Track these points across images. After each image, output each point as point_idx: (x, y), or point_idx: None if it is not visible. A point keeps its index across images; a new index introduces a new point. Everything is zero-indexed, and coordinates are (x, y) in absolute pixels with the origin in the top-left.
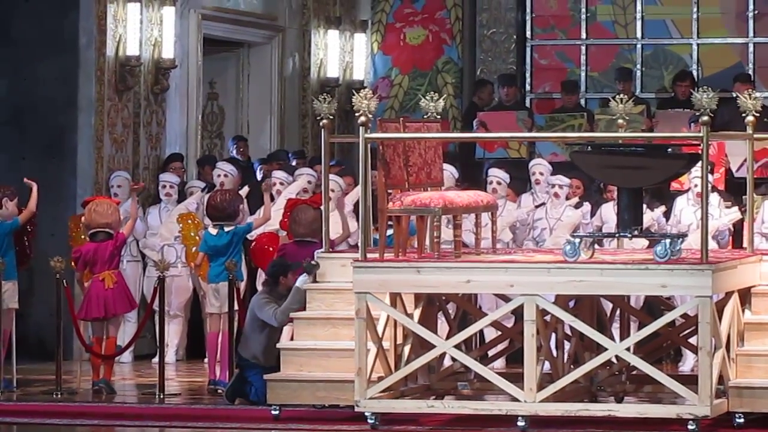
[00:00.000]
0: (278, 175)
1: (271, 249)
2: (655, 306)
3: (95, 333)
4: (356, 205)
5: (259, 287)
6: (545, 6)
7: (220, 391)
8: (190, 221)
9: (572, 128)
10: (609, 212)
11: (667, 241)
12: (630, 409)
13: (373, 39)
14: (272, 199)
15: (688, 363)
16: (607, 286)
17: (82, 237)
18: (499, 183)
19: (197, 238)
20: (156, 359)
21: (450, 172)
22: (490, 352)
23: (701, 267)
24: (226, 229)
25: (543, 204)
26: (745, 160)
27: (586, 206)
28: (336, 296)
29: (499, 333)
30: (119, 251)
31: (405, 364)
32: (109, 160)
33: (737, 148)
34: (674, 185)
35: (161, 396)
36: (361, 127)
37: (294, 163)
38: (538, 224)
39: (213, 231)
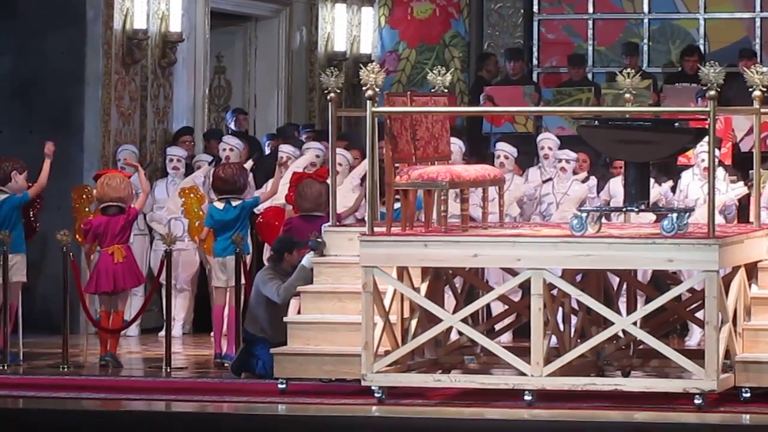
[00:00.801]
0: (285, 149)
1: (277, 223)
2: (661, 281)
3: (104, 307)
4: (363, 178)
5: (266, 262)
6: None
7: (226, 364)
8: (192, 195)
9: (579, 102)
10: (617, 186)
11: (674, 215)
12: (637, 383)
13: (381, 13)
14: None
15: (694, 338)
16: (614, 260)
17: (86, 209)
18: (506, 157)
19: (200, 212)
20: (163, 333)
21: (458, 145)
22: (497, 327)
23: (708, 241)
24: (234, 203)
25: (550, 179)
26: (749, 132)
27: (593, 180)
28: (343, 270)
29: (506, 307)
30: (131, 225)
31: (412, 338)
32: (116, 133)
33: (741, 122)
34: (681, 160)
35: (168, 369)
36: (368, 101)
37: (304, 138)
38: (545, 199)
39: (219, 205)
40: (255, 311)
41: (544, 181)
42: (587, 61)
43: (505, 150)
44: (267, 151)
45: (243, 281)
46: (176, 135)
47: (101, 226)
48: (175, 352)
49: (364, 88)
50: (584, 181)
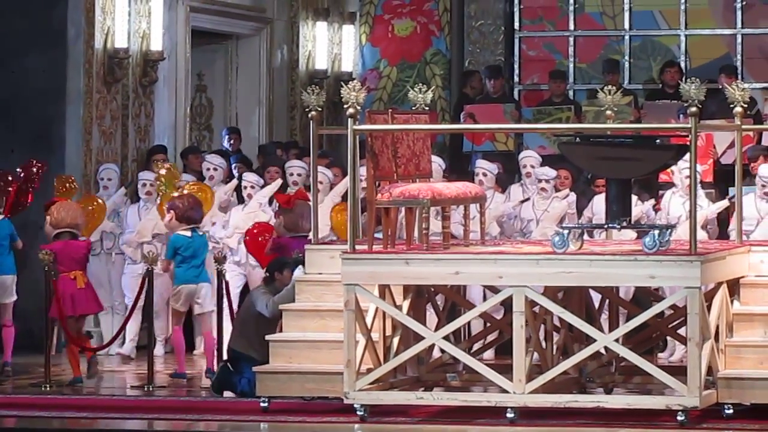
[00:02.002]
0: (249, 178)
1: (262, 239)
2: (643, 297)
3: (70, 329)
4: (344, 196)
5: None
6: None
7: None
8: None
9: (560, 121)
10: (600, 204)
11: (656, 232)
12: (619, 400)
13: (362, 31)
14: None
15: (670, 352)
16: (596, 277)
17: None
18: (485, 174)
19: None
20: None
21: (437, 163)
22: (479, 344)
23: (690, 258)
24: (200, 232)
25: (528, 198)
26: (730, 145)
27: (572, 196)
28: (325, 288)
29: (488, 324)
30: (89, 253)
31: (394, 355)
32: (98, 152)
33: (721, 136)
34: (663, 176)
35: (149, 388)
36: (349, 119)
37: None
38: (524, 215)
39: (187, 233)
40: (244, 328)
41: (522, 201)
42: (568, 78)
43: (483, 167)
44: (235, 173)
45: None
46: (149, 154)
47: (60, 252)
48: (158, 371)
49: (345, 106)
50: (564, 197)
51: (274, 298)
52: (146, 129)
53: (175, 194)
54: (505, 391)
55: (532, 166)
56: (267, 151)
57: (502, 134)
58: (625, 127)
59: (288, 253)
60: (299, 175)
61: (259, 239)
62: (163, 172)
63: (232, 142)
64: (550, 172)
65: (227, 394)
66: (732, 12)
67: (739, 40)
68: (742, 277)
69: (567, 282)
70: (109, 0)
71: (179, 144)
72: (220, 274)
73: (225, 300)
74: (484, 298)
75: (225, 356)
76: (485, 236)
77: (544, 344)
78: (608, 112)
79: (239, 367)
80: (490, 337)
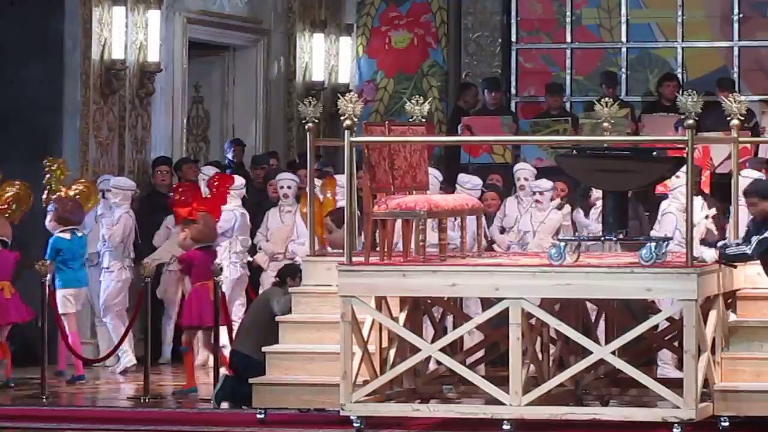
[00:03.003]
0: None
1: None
2: (637, 309)
3: None
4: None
5: None
6: (530, 9)
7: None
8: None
9: (557, 133)
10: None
11: (652, 244)
12: (615, 412)
13: (359, 42)
14: None
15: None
16: (592, 289)
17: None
18: (472, 188)
19: None
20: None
21: (434, 176)
22: (476, 356)
23: (686, 270)
24: (79, 233)
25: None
26: (728, 158)
27: (567, 208)
28: (321, 300)
29: (482, 337)
30: (17, 264)
31: (390, 367)
32: (95, 163)
33: (719, 148)
34: (660, 188)
35: (146, 399)
36: (346, 131)
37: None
38: (522, 227)
39: (66, 235)
40: (254, 330)
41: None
42: (565, 90)
43: (541, 186)
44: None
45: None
46: (154, 164)
47: None
48: (153, 381)
49: (342, 118)
50: (559, 208)
51: (284, 297)
52: (143, 140)
53: (60, 194)
54: (501, 404)
55: (526, 179)
56: (260, 162)
57: (500, 146)
58: (622, 140)
59: (198, 265)
60: (289, 187)
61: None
62: (54, 167)
63: (235, 154)
64: (544, 184)
65: (223, 405)
66: (729, 24)
67: (736, 52)
68: (739, 289)
69: (564, 294)
70: (106, 11)
71: (176, 155)
72: (217, 286)
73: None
74: (481, 310)
75: (222, 366)
76: (481, 248)
77: (540, 356)
78: (605, 125)
79: (243, 375)
80: (482, 351)
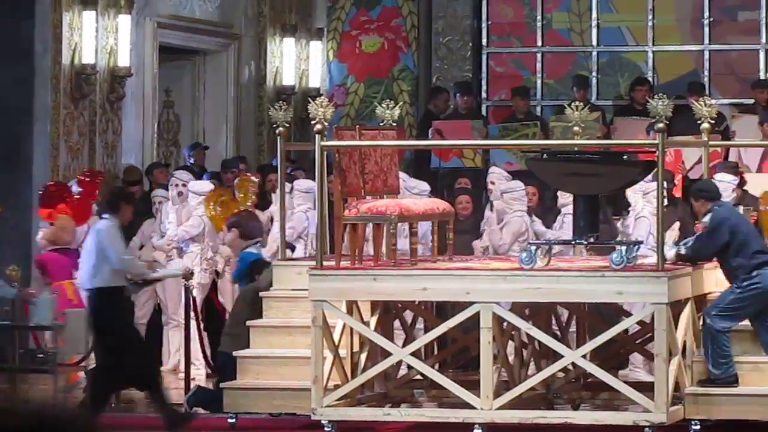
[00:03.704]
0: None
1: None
2: (608, 313)
3: None
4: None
5: None
6: (501, 14)
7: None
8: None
9: (527, 137)
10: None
11: (623, 248)
12: (586, 416)
13: (329, 47)
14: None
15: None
16: (563, 293)
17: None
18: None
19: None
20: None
21: (419, 189)
22: (446, 360)
23: (657, 274)
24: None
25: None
26: (699, 161)
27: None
28: (292, 304)
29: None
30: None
31: (361, 372)
32: (65, 168)
33: (690, 152)
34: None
35: (117, 404)
36: (317, 135)
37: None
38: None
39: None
40: (236, 329)
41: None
42: (532, 94)
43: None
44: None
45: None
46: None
47: None
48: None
49: (312, 122)
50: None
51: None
52: (114, 145)
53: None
54: (472, 407)
55: (492, 182)
56: (230, 166)
57: (470, 150)
58: (592, 143)
59: (51, 269)
60: (184, 185)
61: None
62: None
63: (196, 159)
64: (516, 185)
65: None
66: (699, 28)
67: (706, 56)
68: (709, 293)
69: (534, 298)
70: (76, 16)
71: (147, 160)
72: (188, 291)
73: (192, 316)
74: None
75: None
76: (451, 252)
77: (511, 360)
78: (576, 128)
79: (229, 376)
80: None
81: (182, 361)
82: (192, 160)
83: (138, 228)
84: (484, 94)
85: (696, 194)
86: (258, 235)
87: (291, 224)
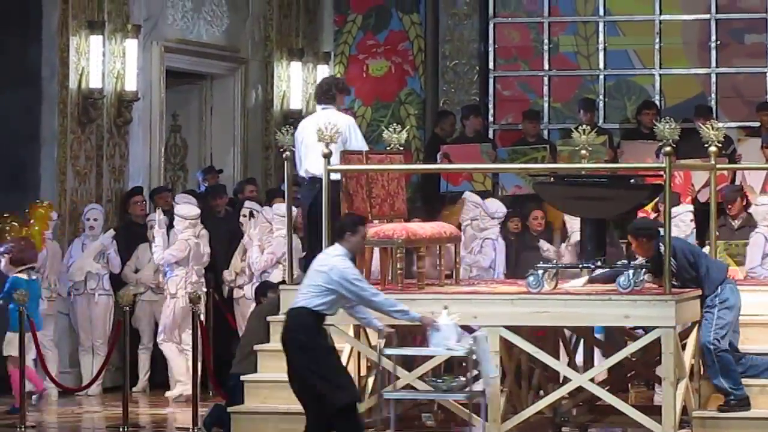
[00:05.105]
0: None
1: None
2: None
3: None
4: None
5: None
6: (508, 37)
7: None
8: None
9: (535, 161)
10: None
11: (630, 272)
12: None
13: (336, 70)
14: None
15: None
16: (570, 317)
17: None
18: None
19: None
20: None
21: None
22: None
23: (664, 298)
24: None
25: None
26: (706, 184)
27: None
28: None
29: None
30: None
31: (369, 395)
32: (72, 192)
33: (699, 175)
34: (640, 215)
35: (125, 428)
36: (323, 159)
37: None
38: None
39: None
40: (247, 351)
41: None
42: (542, 117)
43: (485, 206)
44: None
45: None
46: (127, 196)
47: None
48: (132, 410)
49: None
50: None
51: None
52: (121, 169)
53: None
54: None
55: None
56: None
57: (480, 174)
58: (599, 167)
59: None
60: (95, 219)
61: None
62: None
63: (209, 182)
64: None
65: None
66: (706, 51)
67: (713, 79)
68: None
69: (542, 322)
70: (83, 40)
71: (153, 184)
72: (195, 315)
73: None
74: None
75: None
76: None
77: (518, 384)
78: (583, 152)
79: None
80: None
81: (186, 387)
82: (206, 185)
83: (132, 253)
84: (491, 118)
85: (636, 233)
86: (30, 261)
87: (270, 249)
